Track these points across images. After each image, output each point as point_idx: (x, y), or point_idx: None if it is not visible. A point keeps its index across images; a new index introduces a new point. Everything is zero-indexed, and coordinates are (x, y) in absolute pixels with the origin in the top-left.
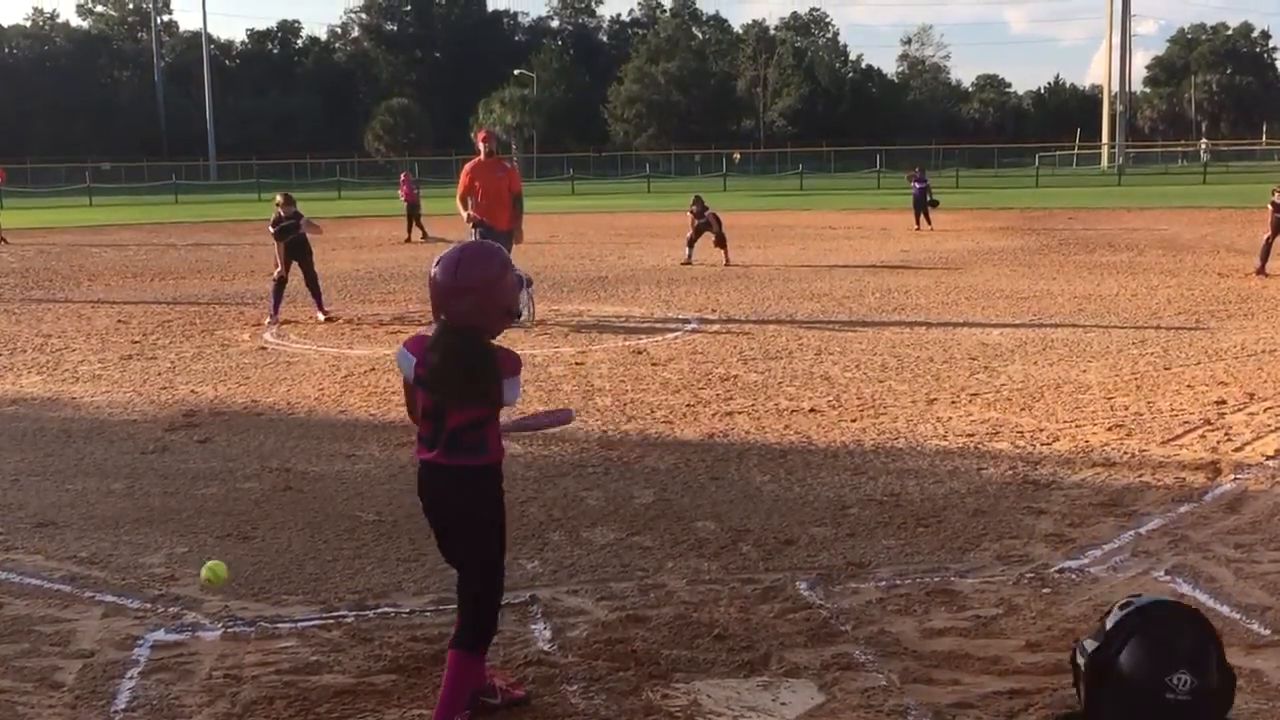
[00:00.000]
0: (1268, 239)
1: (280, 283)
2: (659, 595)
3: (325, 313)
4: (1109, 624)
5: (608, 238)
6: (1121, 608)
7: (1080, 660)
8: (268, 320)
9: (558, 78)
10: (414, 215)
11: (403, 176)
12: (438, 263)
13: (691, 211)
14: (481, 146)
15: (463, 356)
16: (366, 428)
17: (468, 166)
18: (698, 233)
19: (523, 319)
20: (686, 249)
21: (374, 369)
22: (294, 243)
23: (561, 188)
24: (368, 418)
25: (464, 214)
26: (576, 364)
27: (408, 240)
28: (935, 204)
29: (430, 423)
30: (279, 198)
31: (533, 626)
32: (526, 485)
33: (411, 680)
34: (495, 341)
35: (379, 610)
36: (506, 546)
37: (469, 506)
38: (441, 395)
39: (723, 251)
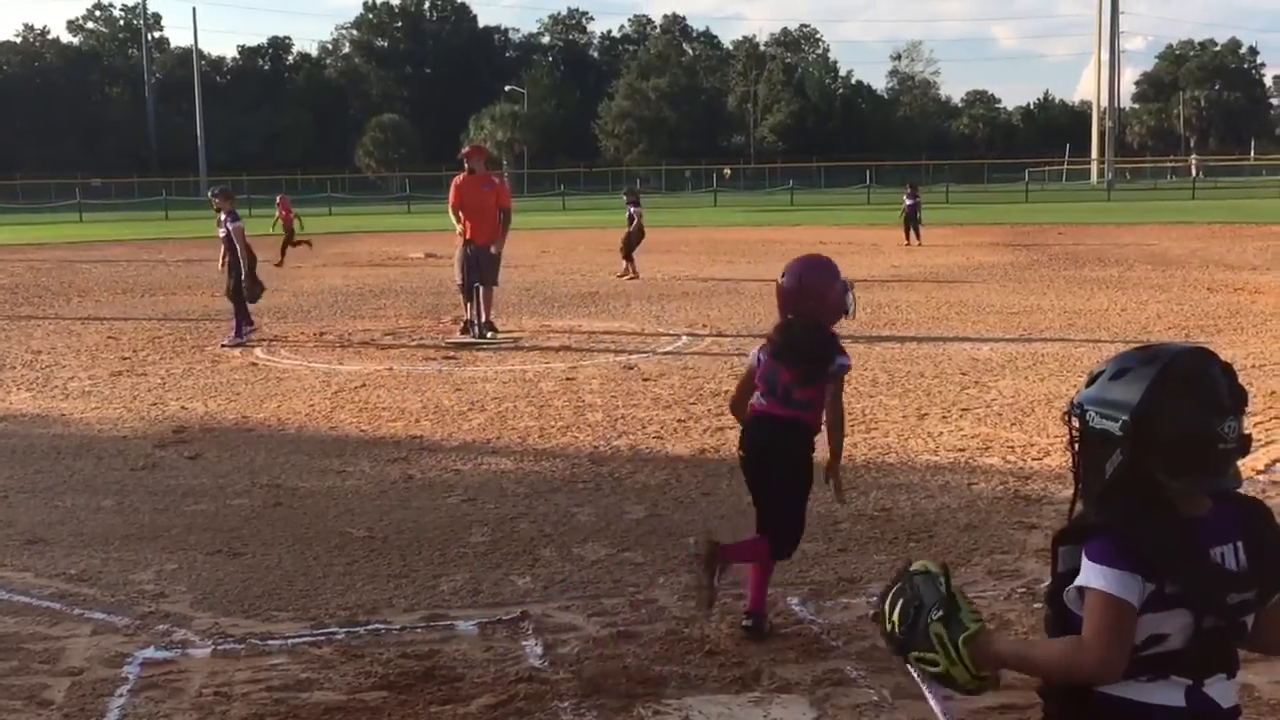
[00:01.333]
0: None
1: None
2: (650, 611)
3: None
4: (1144, 383)
5: (599, 253)
6: (1144, 363)
7: (1100, 429)
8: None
9: (548, 94)
10: (289, 238)
11: (279, 199)
12: (784, 275)
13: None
14: (466, 163)
15: (810, 342)
16: (357, 444)
17: (455, 182)
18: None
19: (484, 334)
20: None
21: (364, 385)
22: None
23: (553, 203)
24: (358, 434)
25: (458, 227)
26: (568, 379)
27: (279, 264)
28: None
29: (774, 388)
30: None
31: (524, 643)
32: (518, 501)
33: (402, 697)
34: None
35: (369, 627)
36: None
37: (793, 451)
38: (791, 366)
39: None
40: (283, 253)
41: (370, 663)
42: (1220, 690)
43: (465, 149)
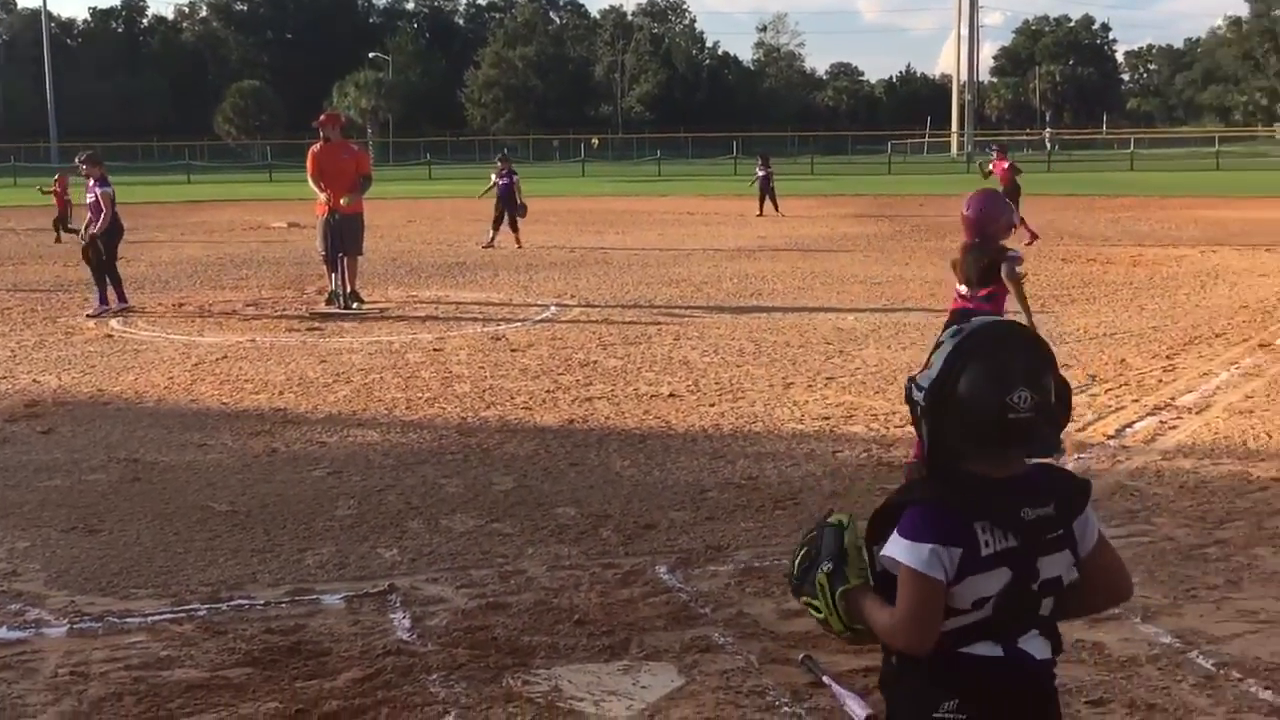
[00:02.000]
0: None
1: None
2: (519, 582)
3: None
4: (943, 355)
5: (466, 223)
6: (952, 336)
7: (917, 396)
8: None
9: (413, 61)
10: (61, 217)
11: (57, 178)
12: (967, 207)
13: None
14: (322, 131)
15: (988, 254)
16: (218, 417)
17: (312, 151)
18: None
19: (349, 304)
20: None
21: (226, 357)
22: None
23: (418, 172)
24: (219, 406)
25: (320, 196)
26: (435, 350)
27: (57, 240)
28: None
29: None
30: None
31: (391, 616)
32: (384, 473)
33: (267, 673)
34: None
35: (232, 603)
36: None
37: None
38: (972, 276)
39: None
40: (56, 228)
41: (233, 639)
42: (1035, 645)
43: (320, 117)
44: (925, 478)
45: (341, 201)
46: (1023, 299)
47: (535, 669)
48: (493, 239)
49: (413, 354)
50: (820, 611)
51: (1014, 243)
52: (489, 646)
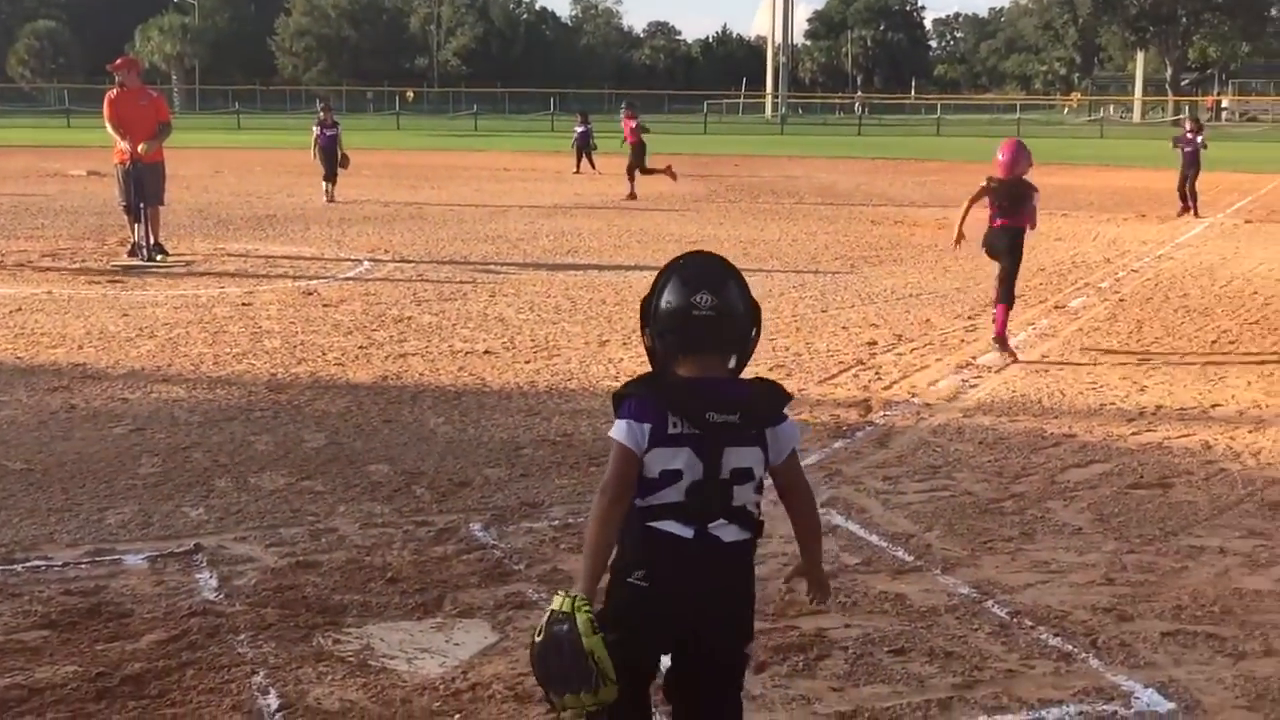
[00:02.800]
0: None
1: None
2: (330, 540)
3: None
4: (656, 280)
5: (276, 175)
6: (669, 264)
7: (643, 315)
8: None
9: (221, 6)
10: None
11: None
12: (1002, 153)
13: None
14: (118, 76)
15: (1017, 187)
16: (12, 372)
17: (109, 97)
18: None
19: (152, 256)
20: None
21: (20, 309)
22: None
23: (226, 121)
24: (14, 361)
25: (120, 144)
26: (243, 305)
27: None
28: (594, 148)
29: (1001, 211)
30: None
31: (197, 576)
32: (190, 430)
33: (65, 635)
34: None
35: (28, 564)
36: None
37: (1017, 240)
38: (1005, 204)
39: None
40: None
41: (29, 601)
42: (726, 531)
43: (117, 61)
44: (639, 377)
45: (140, 149)
46: (1034, 219)
47: (346, 628)
48: (329, 191)
49: (220, 308)
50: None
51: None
52: (299, 605)
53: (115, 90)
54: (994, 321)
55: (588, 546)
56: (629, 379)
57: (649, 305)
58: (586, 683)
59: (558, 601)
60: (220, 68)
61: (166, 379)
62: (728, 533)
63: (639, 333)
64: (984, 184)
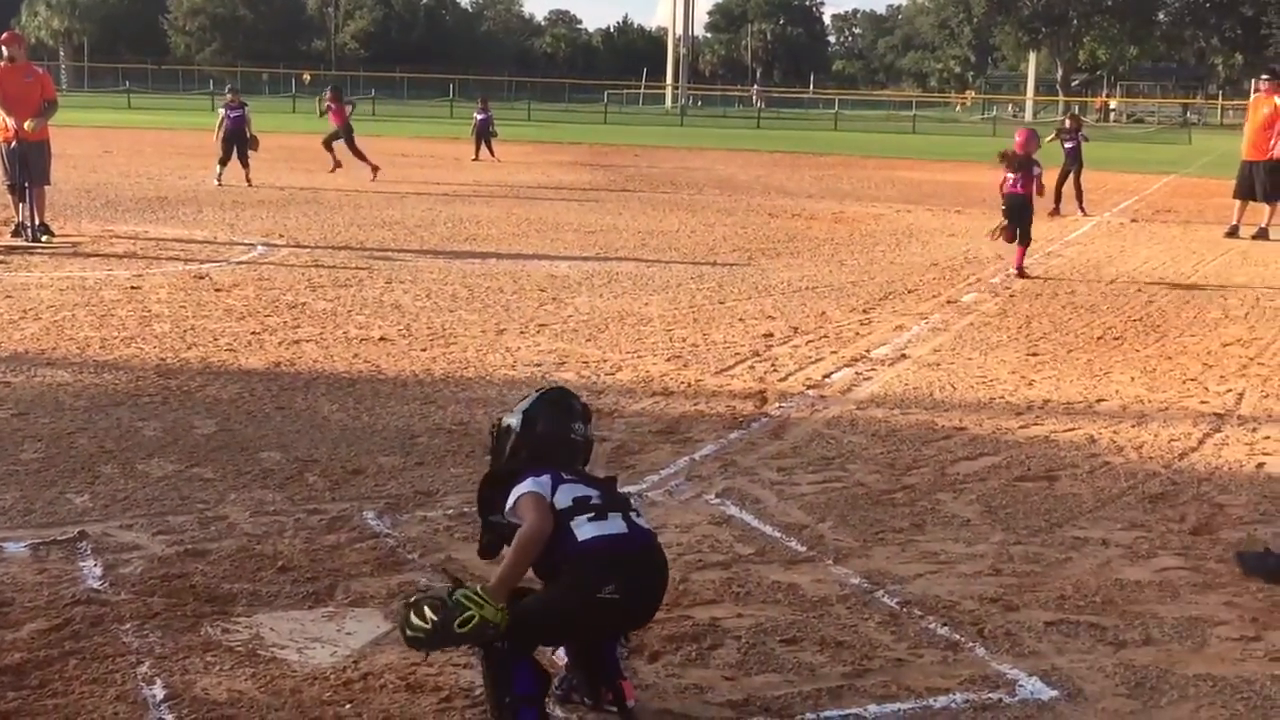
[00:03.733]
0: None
1: None
2: (220, 528)
3: None
4: (527, 405)
5: (168, 156)
6: (537, 393)
7: (506, 426)
8: None
9: None
10: None
11: None
12: (1019, 135)
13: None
14: (5, 51)
15: (1028, 160)
16: None
17: None
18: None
19: (37, 236)
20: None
21: None
22: None
23: (117, 100)
24: None
25: (5, 121)
26: (133, 288)
27: None
28: (495, 135)
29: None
30: None
31: (82, 564)
32: (76, 415)
33: None
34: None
35: None
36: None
37: (1028, 202)
38: (1020, 170)
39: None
40: None
41: None
42: (639, 518)
43: (2, 36)
44: (515, 463)
45: (26, 126)
46: (1042, 188)
47: (236, 617)
48: (220, 175)
49: (108, 291)
50: (477, 613)
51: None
52: (187, 594)
53: (1, 65)
54: (1014, 262)
55: (514, 570)
56: (511, 465)
57: (528, 419)
58: (442, 645)
59: (490, 612)
60: (109, 45)
61: (51, 363)
62: (641, 520)
63: (527, 326)
64: (1001, 154)
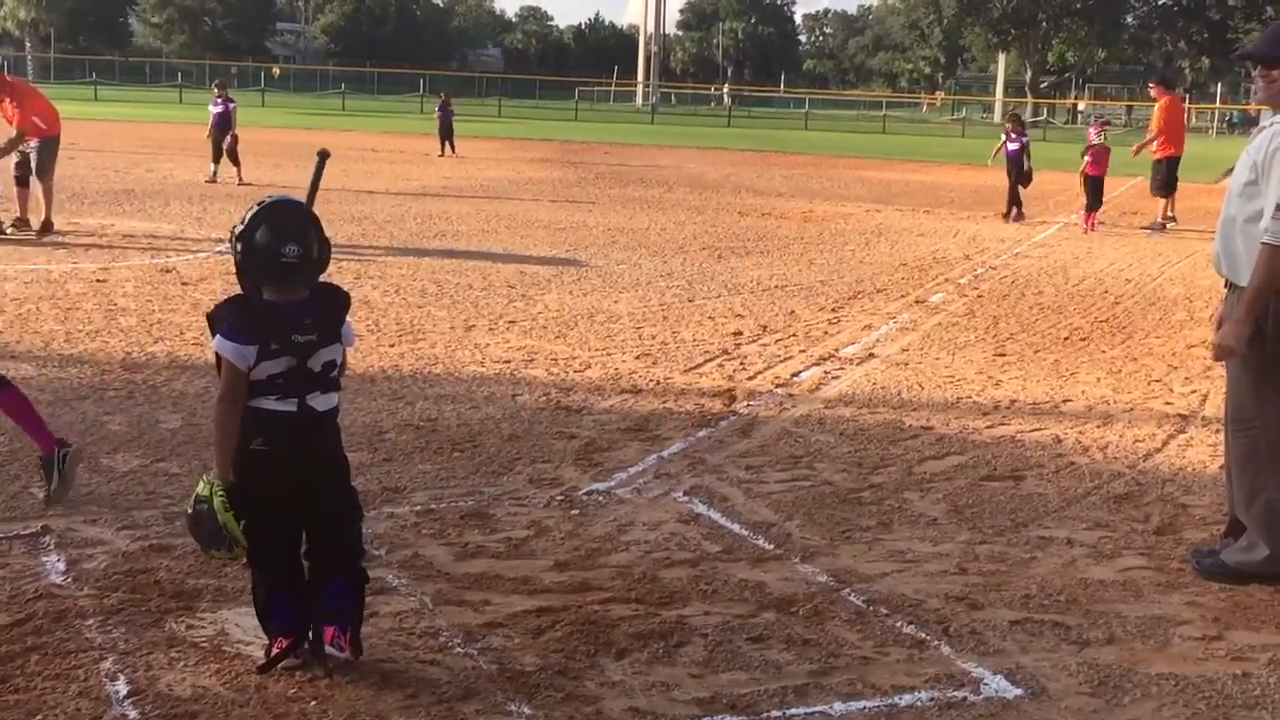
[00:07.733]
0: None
1: None
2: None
3: None
4: (248, 215)
5: (135, 149)
6: (258, 204)
7: (233, 240)
8: None
9: None
10: None
11: None
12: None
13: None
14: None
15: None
16: None
17: None
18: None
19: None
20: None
21: None
22: None
23: (83, 92)
24: None
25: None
26: (99, 281)
27: None
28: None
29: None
30: None
31: (44, 559)
32: (39, 409)
33: None
34: None
35: None
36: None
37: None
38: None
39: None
40: None
41: None
42: (319, 401)
43: None
44: (234, 299)
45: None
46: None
47: (200, 612)
48: (215, 173)
49: (73, 284)
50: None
51: None
52: (151, 590)
53: None
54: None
55: (218, 443)
56: (224, 300)
57: (244, 239)
58: (225, 545)
59: (201, 487)
60: (75, 37)
61: (15, 356)
62: (320, 401)
63: (496, 322)
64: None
